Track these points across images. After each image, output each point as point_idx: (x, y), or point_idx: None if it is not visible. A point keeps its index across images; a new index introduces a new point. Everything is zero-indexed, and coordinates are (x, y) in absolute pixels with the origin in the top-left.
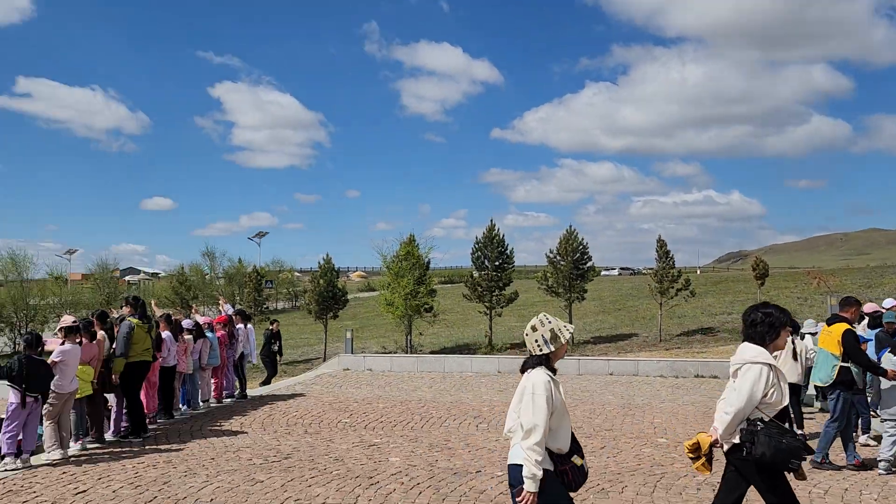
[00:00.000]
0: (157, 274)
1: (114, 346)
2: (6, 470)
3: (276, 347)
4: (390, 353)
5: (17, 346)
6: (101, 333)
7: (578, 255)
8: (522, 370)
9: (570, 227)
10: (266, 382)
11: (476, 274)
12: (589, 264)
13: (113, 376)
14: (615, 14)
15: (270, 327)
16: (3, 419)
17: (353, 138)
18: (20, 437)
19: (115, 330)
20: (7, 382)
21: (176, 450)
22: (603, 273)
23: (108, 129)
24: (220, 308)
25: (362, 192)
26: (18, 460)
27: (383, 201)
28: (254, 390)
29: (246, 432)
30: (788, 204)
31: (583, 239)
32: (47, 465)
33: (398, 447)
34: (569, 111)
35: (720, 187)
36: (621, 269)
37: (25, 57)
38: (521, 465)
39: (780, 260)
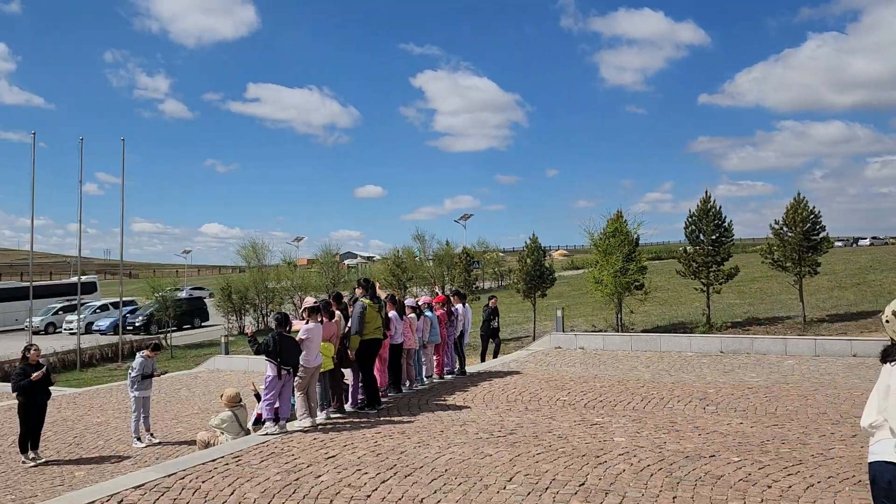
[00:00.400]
0: (372, 257)
1: (349, 324)
2: (267, 433)
3: (496, 324)
4: (601, 331)
5: (260, 326)
6: (337, 313)
7: (809, 224)
8: (883, 359)
9: (798, 194)
10: (486, 357)
11: (690, 249)
12: (822, 235)
13: (349, 353)
14: None
15: (489, 303)
16: (261, 390)
17: (551, 116)
18: (277, 405)
19: (349, 310)
20: (265, 357)
21: (408, 422)
22: (836, 244)
23: (325, 124)
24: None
25: (561, 171)
26: (276, 426)
27: (583, 178)
28: (472, 367)
29: (469, 407)
30: None
31: (813, 207)
32: (300, 431)
33: (622, 427)
34: (788, 68)
35: None
36: (872, 238)
37: (254, 65)
38: (889, 463)
39: None
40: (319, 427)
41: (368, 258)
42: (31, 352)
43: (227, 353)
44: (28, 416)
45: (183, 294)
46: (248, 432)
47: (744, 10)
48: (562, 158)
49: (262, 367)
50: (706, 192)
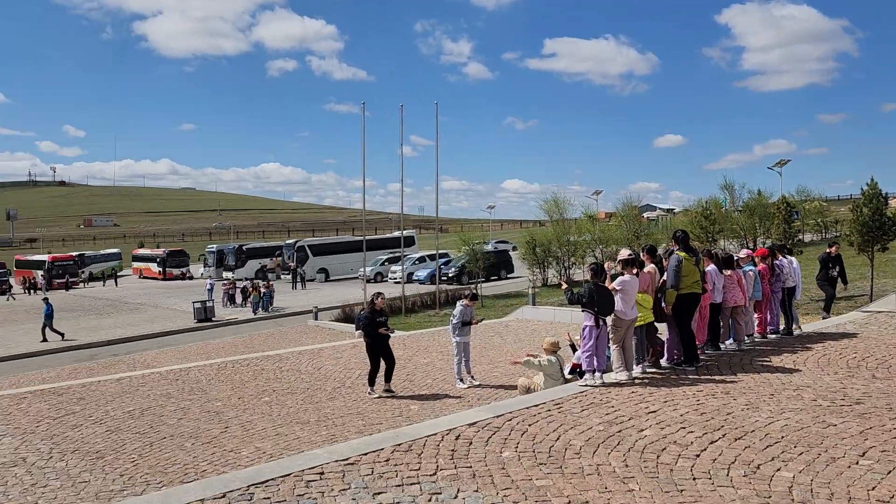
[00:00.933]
0: (673, 210)
1: (663, 277)
2: (586, 384)
3: (836, 272)
4: None
5: (556, 279)
6: (651, 266)
7: None
8: None
9: None
10: (826, 308)
11: None
12: None
13: (665, 307)
14: None
15: (829, 250)
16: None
17: (887, 42)
18: (594, 356)
19: (664, 264)
20: (581, 308)
21: (730, 381)
22: None
23: (621, 73)
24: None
25: None
26: (594, 376)
27: None
28: (810, 325)
29: (800, 370)
30: None
31: None
32: (616, 384)
33: None
34: None
35: None
36: None
37: (550, 19)
38: None
39: None
40: (636, 381)
41: (668, 210)
42: (378, 299)
43: (533, 303)
44: (375, 354)
45: (489, 247)
46: (566, 380)
47: None
48: None
49: (568, 318)
50: None
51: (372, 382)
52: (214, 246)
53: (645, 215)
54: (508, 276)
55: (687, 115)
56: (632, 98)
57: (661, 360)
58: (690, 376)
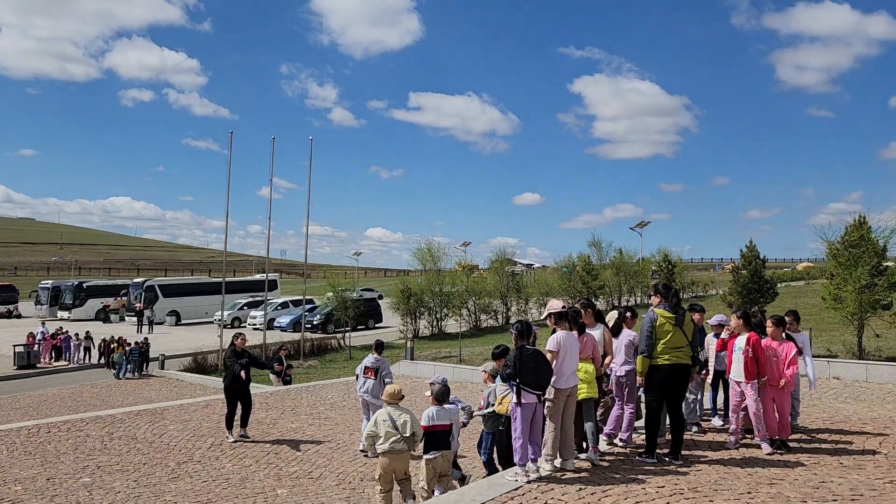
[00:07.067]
0: (532, 265)
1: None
2: (517, 481)
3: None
4: (863, 359)
5: (434, 331)
6: (601, 327)
7: None
8: None
9: None
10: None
11: None
12: None
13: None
14: None
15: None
16: None
17: (722, 121)
18: (522, 442)
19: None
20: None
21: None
22: None
23: (484, 131)
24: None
25: (732, 179)
26: (527, 470)
27: (756, 187)
28: None
29: (772, 458)
30: None
31: None
32: (558, 478)
33: None
34: None
35: None
36: None
37: (416, 74)
38: None
39: None
40: (583, 471)
41: (528, 265)
42: (238, 340)
43: (411, 357)
44: (232, 397)
45: (354, 295)
46: (410, 439)
47: None
48: (733, 165)
49: (449, 375)
50: None
51: (229, 426)
52: (49, 282)
53: (507, 269)
54: (377, 325)
55: (544, 176)
56: (493, 156)
57: (615, 440)
58: (649, 468)
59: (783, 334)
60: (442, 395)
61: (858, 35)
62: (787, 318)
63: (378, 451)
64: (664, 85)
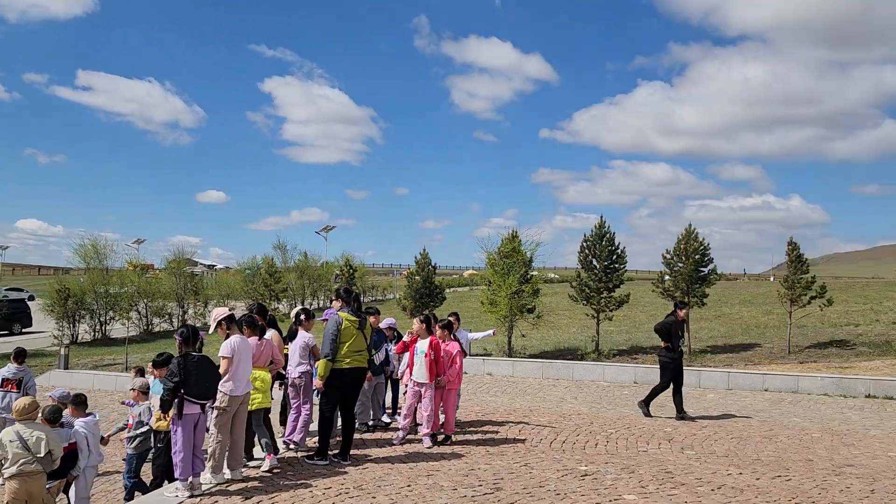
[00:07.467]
0: (214, 266)
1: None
2: (177, 497)
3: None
4: (511, 356)
5: (97, 335)
6: (272, 332)
7: (699, 256)
8: None
9: (690, 225)
10: None
11: (584, 274)
12: (710, 267)
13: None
14: (672, 11)
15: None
16: None
17: (404, 135)
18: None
19: (278, 328)
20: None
21: (366, 476)
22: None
23: (167, 122)
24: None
25: (411, 190)
26: (185, 487)
27: (432, 199)
28: None
29: (426, 451)
30: (853, 211)
31: (703, 239)
32: (221, 491)
33: (620, 479)
34: (622, 111)
35: (781, 192)
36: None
37: (86, 50)
38: None
39: (843, 269)
40: (252, 479)
41: (211, 266)
42: None
43: (65, 366)
44: None
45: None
46: (46, 458)
47: (588, 49)
48: (413, 177)
49: (112, 386)
50: (601, 217)
51: None
52: None
53: (187, 269)
54: (24, 330)
55: (231, 174)
56: (175, 148)
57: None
58: (321, 471)
59: (450, 336)
60: (52, 415)
61: (518, 71)
62: (450, 319)
63: (6, 476)
64: (353, 95)
